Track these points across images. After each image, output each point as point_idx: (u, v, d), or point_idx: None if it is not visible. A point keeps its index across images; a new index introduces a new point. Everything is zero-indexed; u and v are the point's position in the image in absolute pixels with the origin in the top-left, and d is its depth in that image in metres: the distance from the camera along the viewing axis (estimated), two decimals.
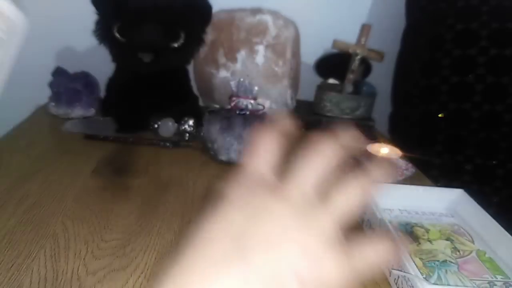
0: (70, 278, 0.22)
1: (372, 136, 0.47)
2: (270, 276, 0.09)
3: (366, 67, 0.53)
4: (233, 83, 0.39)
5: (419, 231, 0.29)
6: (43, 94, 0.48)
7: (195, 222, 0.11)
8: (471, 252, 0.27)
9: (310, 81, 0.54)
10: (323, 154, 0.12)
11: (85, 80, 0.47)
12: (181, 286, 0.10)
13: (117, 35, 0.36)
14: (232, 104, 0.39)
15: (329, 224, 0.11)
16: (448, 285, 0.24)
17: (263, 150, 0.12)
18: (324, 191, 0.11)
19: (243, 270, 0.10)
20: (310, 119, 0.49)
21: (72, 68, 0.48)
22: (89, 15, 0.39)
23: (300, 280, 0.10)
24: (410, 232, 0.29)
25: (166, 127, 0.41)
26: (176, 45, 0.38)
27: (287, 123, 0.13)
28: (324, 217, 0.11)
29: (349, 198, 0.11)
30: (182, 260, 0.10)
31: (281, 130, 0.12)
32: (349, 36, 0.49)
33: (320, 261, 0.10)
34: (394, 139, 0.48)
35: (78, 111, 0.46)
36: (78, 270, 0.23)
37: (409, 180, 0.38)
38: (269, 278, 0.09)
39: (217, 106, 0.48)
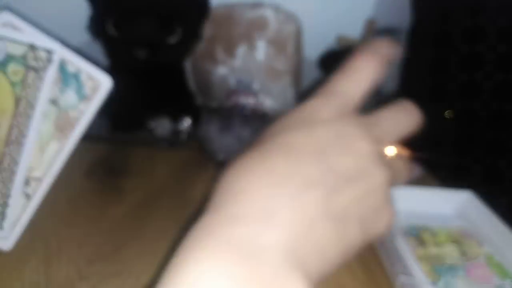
0: (63, 283, 0.21)
1: None
2: None
3: None
4: (232, 80, 0.38)
5: (427, 234, 0.28)
6: None
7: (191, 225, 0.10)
8: (480, 256, 0.26)
9: (312, 78, 0.52)
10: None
11: None
12: None
13: (110, 30, 0.35)
14: (231, 102, 0.38)
15: None
16: None
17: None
18: None
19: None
20: None
21: None
22: (83, 10, 0.38)
23: None
24: (417, 235, 0.28)
25: (162, 126, 0.40)
26: (172, 40, 0.36)
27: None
28: None
29: None
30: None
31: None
32: (353, 32, 0.48)
33: None
34: (402, 139, 0.47)
35: None
36: (71, 275, 0.22)
37: (416, 182, 0.37)
38: None
39: (215, 104, 0.47)
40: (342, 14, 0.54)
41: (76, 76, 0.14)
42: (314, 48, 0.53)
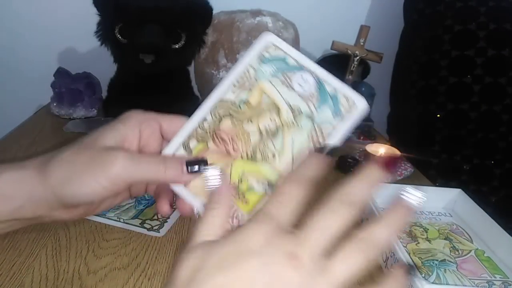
0: (71, 277, 0.22)
1: (371, 136, 0.48)
2: None
3: (364, 68, 0.53)
4: None
5: (418, 231, 0.29)
6: (45, 94, 0.48)
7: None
8: (469, 251, 0.27)
9: None
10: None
11: (87, 80, 0.48)
12: None
13: (118, 36, 0.37)
14: None
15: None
16: (447, 284, 0.24)
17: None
18: None
19: None
20: None
21: (74, 68, 0.49)
22: (91, 16, 0.39)
23: None
24: (409, 231, 0.29)
25: None
26: (177, 46, 0.38)
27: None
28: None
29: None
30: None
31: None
32: (348, 37, 0.50)
33: None
34: (393, 139, 0.48)
35: (80, 111, 0.47)
36: (79, 269, 0.23)
37: (408, 180, 0.38)
38: None
39: None
40: (337, 21, 0.56)
41: (332, 96, 0.15)
42: (311, 53, 0.55)
